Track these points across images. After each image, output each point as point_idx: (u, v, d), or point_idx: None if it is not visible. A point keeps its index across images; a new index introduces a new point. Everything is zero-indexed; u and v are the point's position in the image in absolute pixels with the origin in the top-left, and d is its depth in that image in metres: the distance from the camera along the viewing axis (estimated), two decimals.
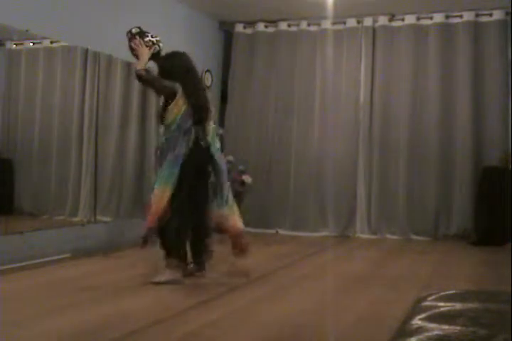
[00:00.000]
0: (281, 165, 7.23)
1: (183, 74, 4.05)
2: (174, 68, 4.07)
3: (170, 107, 3.96)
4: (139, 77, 3.97)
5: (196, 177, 4.06)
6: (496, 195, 6.18)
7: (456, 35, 6.75)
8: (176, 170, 3.90)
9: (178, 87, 3.97)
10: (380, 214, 6.90)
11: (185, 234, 4.08)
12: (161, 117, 4.03)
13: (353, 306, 3.49)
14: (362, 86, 7.05)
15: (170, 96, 3.99)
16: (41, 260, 4.62)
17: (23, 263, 4.46)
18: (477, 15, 6.68)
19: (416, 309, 1.49)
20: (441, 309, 1.43)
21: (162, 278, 3.93)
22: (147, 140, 6.25)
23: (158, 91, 4.17)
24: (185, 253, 4.12)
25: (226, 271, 4.34)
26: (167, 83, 3.99)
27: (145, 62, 4.02)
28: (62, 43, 5.18)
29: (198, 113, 4.02)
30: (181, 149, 3.93)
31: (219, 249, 4.37)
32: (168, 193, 3.89)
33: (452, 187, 6.70)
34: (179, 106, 3.95)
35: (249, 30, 7.48)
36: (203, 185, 4.13)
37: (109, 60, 5.66)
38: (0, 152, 4.76)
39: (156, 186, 3.93)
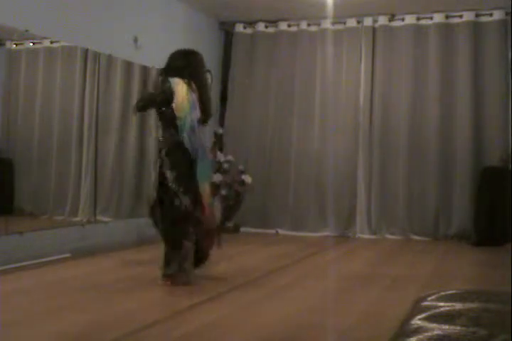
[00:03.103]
0: (281, 165, 7.22)
1: (187, 71, 4.04)
2: (178, 64, 4.07)
3: (177, 103, 3.88)
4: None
5: None
6: (495, 195, 6.18)
7: (456, 35, 6.74)
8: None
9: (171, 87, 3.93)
10: (380, 214, 6.90)
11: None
12: (170, 118, 3.94)
13: (353, 306, 3.49)
14: (362, 86, 7.04)
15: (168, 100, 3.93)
16: (41, 260, 4.62)
17: (23, 263, 4.45)
18: (477, 16, 6.68)
19: (416, 309, 1.49)
20: (441, 309, 1.43)
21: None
22: (147, 140, 6.25)
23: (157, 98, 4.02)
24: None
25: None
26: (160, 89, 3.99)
27: None
28: (62, 43, 5.19)
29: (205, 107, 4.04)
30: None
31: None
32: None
33: (452, 187, 6.69)
34: (185, 99, 3.91)
35: (249, 30, 7.48)
36: None
37: (109, 60, 5.66)
38: (0, 152, 4.76)
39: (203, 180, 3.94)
